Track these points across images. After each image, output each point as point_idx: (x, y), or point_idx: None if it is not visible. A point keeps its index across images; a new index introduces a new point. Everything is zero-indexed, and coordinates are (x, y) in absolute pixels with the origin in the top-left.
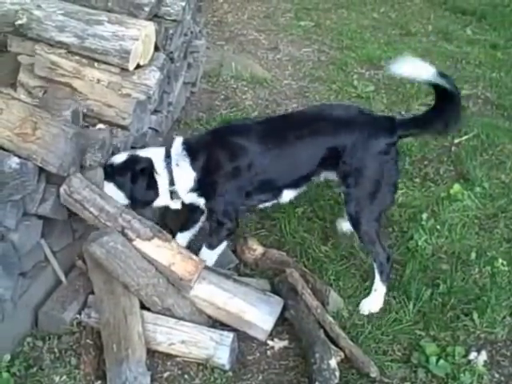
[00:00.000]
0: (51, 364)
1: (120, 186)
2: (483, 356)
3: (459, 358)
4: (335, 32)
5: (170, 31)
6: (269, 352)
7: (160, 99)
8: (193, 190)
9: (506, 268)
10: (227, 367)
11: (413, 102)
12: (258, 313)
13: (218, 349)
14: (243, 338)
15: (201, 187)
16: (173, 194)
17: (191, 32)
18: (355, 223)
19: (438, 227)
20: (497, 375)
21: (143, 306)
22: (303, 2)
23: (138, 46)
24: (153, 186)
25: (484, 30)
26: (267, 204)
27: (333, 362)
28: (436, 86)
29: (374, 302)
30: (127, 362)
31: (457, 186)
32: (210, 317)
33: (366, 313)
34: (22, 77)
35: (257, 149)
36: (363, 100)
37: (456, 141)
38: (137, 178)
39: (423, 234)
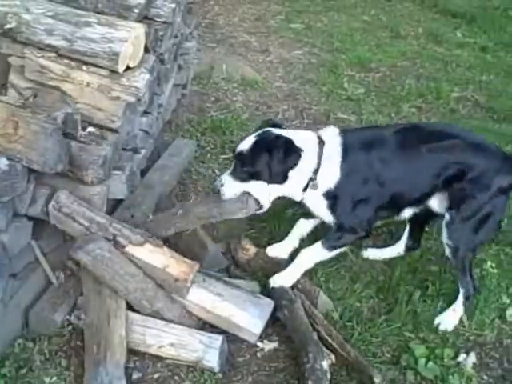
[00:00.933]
0: (41, 365)
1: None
2: (472, 358)
3: (448, 360)
4: (326, 34)
5: (160, 33)
6: (259, 354)
7: (150, 101)
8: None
9: (495, 270)
10: (217, 370)
11: (403, 105)
12: (247, 316)
13: (207, 352)
14: (233, 340)
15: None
16: (310, 185)
17: (181, 34)
18: (453, 248)
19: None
20: (485, 377)
21: (133, 308)
22: (294, 4)
23: (128, 48)
24: (294, 162)
25: (474, 33)
26: (385, 221)
27: (325, 364)
28: None
29: (450, 321)
30: (104, 364)
31: None
32: (199, 319)
33: (443, 330)
34: (13, 78)
35: (390, 160)
36: (353, 102)
37: None
38: (277, 152)
39: None
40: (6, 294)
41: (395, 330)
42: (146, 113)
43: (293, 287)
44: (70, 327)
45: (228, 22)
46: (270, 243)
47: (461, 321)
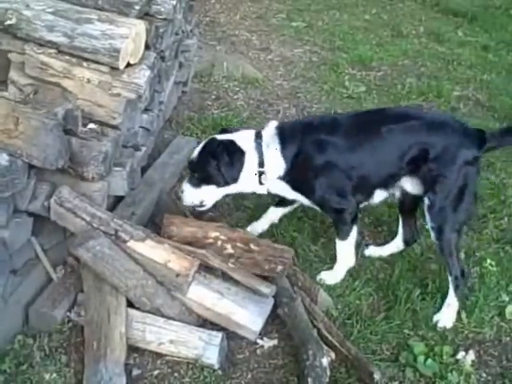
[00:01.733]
0: (41, 362)
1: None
2: (471, 356)
3: (447, 358)
4: (327, 33)
5: (161, 30)
6: (258, 351)
7: (151, 98)
8: (281, 178)
9: (495, 268)
10: (216, 367)
11: (404, 103)
12: (247, 314)
13: (206, 349)
14: (233, 337)
15: (294, 181)
16: (261, 177)
17: (182, 31)
18: (438, 232)
19: (427, 227)
20: (484, 375)
21: (133, 305)
22: (295, 2)
23: (128, 45)
24: (239, 161)
25: (475, 32)
26: (360, 206)
27: (325, 361)
28: None
29: (448, 317)
30: (104, 360)
31: None
32: (199, 316)
33: (441, 328)
34: (13, 74)
35: (349, 143)
36: (354, 101)
37: None
38: (221, 156)
39: None
40: (6, 290)
41: (395, 327)
42: (146, 110)
43: (293, 285)
44: (70, 324)
45: (229, 20)
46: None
47: (460, 318)
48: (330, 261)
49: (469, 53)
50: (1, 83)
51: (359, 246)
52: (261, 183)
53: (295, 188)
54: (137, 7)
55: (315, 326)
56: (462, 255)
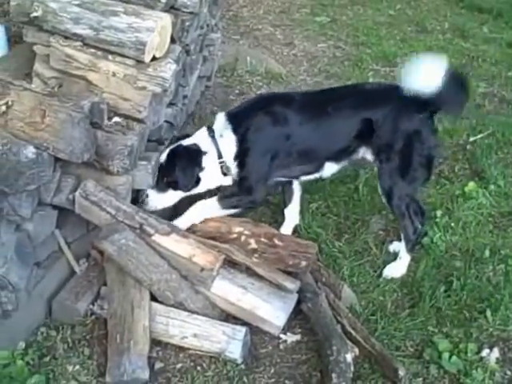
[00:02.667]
0: (64, 354)
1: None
2: (495, 353)
3: (471, 355)
4: (351, 28)
5: (187, 23)
6: (281, 346)
7: (175, 92)
8: (235, 157)
9: None
10: (239, 361)
11: None
12: (270, 309)
13: (230, 343)
14: (256, 332)
15: (240, 155)
16: (223, 168)
17: (207, 25)
18: (387, 197)
19: (453, 225)
20: (509, 372)
21: (156, 299)
22: None
23: (154, 38)
24: (200, 163)
25: (500, 28)
26: (310, 177)
27: (349, 357)
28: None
29: (397, 268)
30: (128, 353)
31: (472, 184)
32: (223, 311)
33: (389, 277)
34: (38, 67)
35: (296, 118)
36: None
37: (471, 139)
38: (185, 165)
39: (437, 231)
40: (29, 282)
41: (419, 324)
42: (170, 104)
43: (316, 280)
44: (93, 317)
45: (252, 15)
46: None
47: (484, 316)
48: (354, 257)
49: (494, 49)
50: (25, 76)
51: (383, 243)
52: (224, 174)
53: (240, 163)
54: (163, 0)
55: (339, 321)
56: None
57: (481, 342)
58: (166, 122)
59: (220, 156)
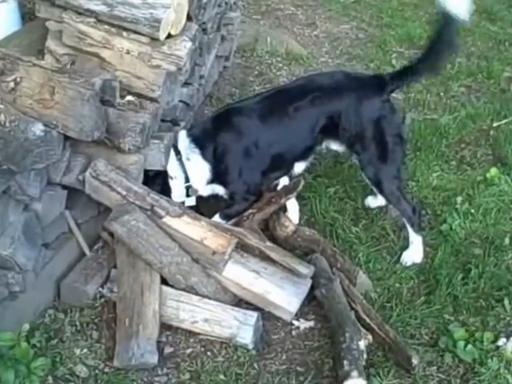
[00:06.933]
0: (72, 337)
1: None
2: None
3: (487, 344)
4: (375, 9)
5: (204, 0)
6: (294, 332)
7: (191, 71)
8: (210, 181)
9: None
10: (250, 347)
11: (452, 84)
12: (283, 294)
13: (241, 328)
14: (268, 317)
15: (218, 176)
16: (189, 190)
17: (226, 3)
18: (377, 185)
19: (473, 211)
20: None
21: (167, 283)
22: None
23: (170, 15)
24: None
25: None
26: (281, 178)
27: (362, 344)
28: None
29: (414, 252)
30: (136, 337)
31: (494, 170)
32: (234, 295)
33: (410, 264)
34: (50, 43)
35: (260, 128)
36: None
37: (495, 124)
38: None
39: (457, 217)
40: (37, 263)
41: (435, 312)
42: (186, 84)
43: (332, 266)
44: (102, 299)
45: None
46: (309, 221)
47: (502, 305)
48: (371, 242)
49: None
50: (38, 52)
51: (401, 229)
52: (188, 196)
53: (221, 182)
54: None
55: (353, 308)
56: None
57: (497, 330)
58: (182, 102)
59: (187, 180)
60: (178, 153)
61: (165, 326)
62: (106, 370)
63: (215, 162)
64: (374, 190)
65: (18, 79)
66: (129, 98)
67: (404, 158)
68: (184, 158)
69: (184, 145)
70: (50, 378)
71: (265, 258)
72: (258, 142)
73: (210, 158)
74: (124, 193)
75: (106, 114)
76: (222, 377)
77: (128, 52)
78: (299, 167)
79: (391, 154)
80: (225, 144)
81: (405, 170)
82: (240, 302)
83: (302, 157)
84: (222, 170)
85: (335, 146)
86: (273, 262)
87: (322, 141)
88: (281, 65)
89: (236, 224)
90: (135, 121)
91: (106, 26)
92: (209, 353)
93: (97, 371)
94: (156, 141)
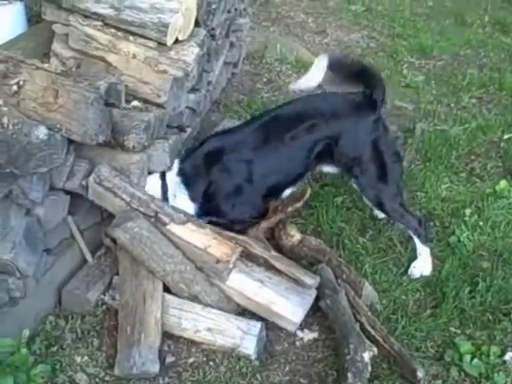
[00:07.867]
0: (73, 344)
1: None
2: None
3: (494, 358)
4: (387, 18)
5: (213, 6)
6: (298, 343)
7: (199, 77)
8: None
9: None
10: (253, 357)
11: (463, 95)
12: (287, 304)
13: (244, 338)
14: (272, 328)
15: (208, 213)
16: None
17: (235, 9)
18: (379, 206)
19: (481, 224)
20: None
21: (170, 291)
22: None
23: (178, 20)
24: None
25: None
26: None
27: (366, 356)
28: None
29: (423, 264)
30: (138, 346)
31: (503, 183)
32: (238, 305)
33: (418, 276)
34: (56, 47)
35: (254, 160)
36: (412, 90)
37: (505, 136)
38: None
39: (465, 229)
40: (39, 269)
41: (441, 324)
42: (193, 90)
43: (337, 277)
44: (104, 307)
45: (284, 1)
46: (316, 230)
47: (509, 319)
48: (378, 254)
49: None
50: (44, 55)
51: (409, 240)
52: None
53: (210, 215)
54: None
55: (358, 319)
56: None
57: (504, 345)
58: (189, 108)
59: None
60: (165, 185)
61: (167, 335)
62: (107, 378)
63: (204, 203)
64: (376, 211)
65: (22, 82)
66: (134, 103)
67: (402, 174)
68: (170, 194)
69: (173, 180)
70: None
71: (270, 267)
72: (252, 177)
73: (198, 200)
74: (128, 199)
75: (111, 114)
76: None
77: (134, 56)
78: (288, 192)
79: (391, 173)
80: (216, 185)
81: (403, 183)
82: (244, 312)
83: (294, 183)
84: (213, 208)
85: (328, 169)
86: (278, 271)
87: (315, 166)
88: (290, 72)
89: (241, 232)
90: (140, 119)
91: (113, 30)
92: (211, 363)
93: (97, 379)
94: (161, 140)
